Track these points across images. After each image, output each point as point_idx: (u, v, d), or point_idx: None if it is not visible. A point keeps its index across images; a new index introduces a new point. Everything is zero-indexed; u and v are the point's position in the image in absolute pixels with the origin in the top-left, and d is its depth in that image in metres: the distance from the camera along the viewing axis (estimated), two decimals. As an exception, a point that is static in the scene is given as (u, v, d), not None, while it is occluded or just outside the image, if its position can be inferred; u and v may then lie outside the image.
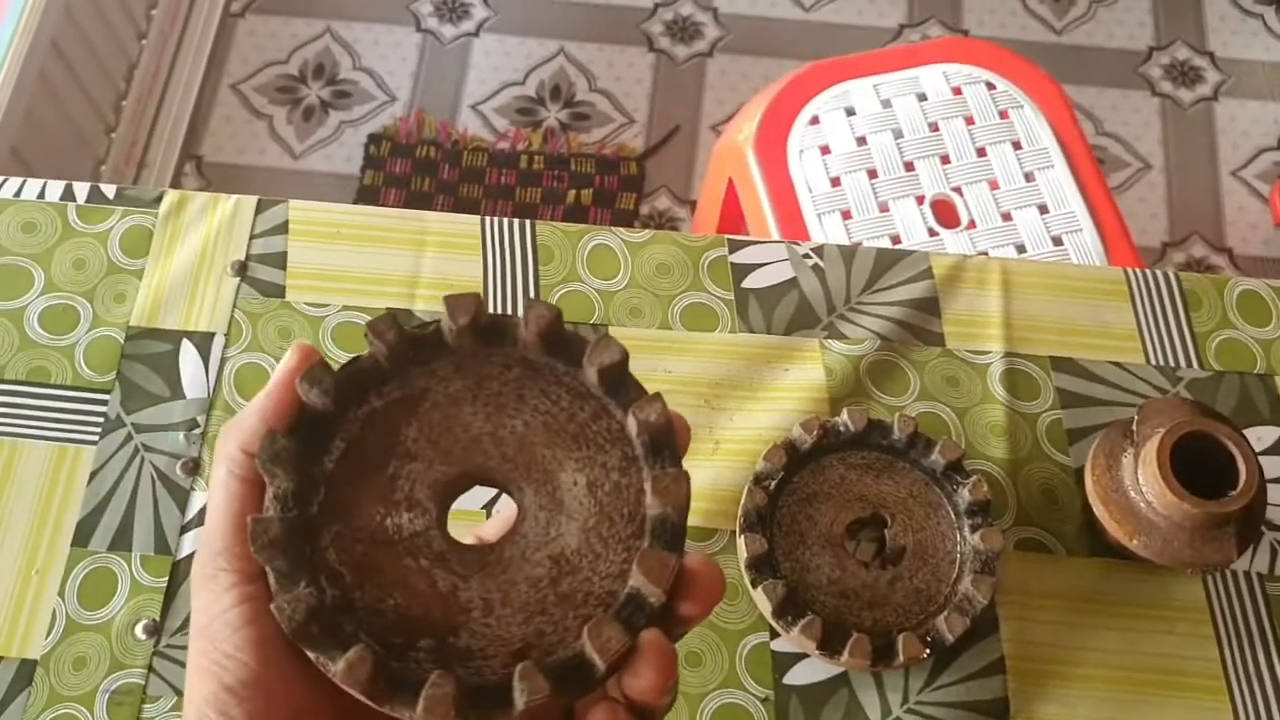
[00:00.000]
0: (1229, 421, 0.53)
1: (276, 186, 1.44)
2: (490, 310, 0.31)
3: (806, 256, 0.62)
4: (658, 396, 0.29)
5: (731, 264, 0.61)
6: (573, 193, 1.47)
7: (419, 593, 0.28)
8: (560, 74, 1.55)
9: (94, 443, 0.55)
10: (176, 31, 1.49)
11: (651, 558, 0.27)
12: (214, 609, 0.28)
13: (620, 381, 0.30)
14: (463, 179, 1.47)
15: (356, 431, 0.29)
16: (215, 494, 0.30)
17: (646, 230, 0.63)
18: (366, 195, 1.45)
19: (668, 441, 0.29)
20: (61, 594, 0.52)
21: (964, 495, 0.54)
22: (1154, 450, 0.50)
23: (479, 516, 0.52)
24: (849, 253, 0.62)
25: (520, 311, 0.31)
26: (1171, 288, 0.61)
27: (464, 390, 0.30)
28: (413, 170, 1.47)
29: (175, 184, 1.43)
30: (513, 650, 0.28)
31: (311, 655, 0.26)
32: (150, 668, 0.51)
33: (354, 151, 1.47)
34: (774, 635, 0.53)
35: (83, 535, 0.53)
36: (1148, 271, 0.62)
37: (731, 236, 0.63)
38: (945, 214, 0.95)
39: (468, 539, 0.30)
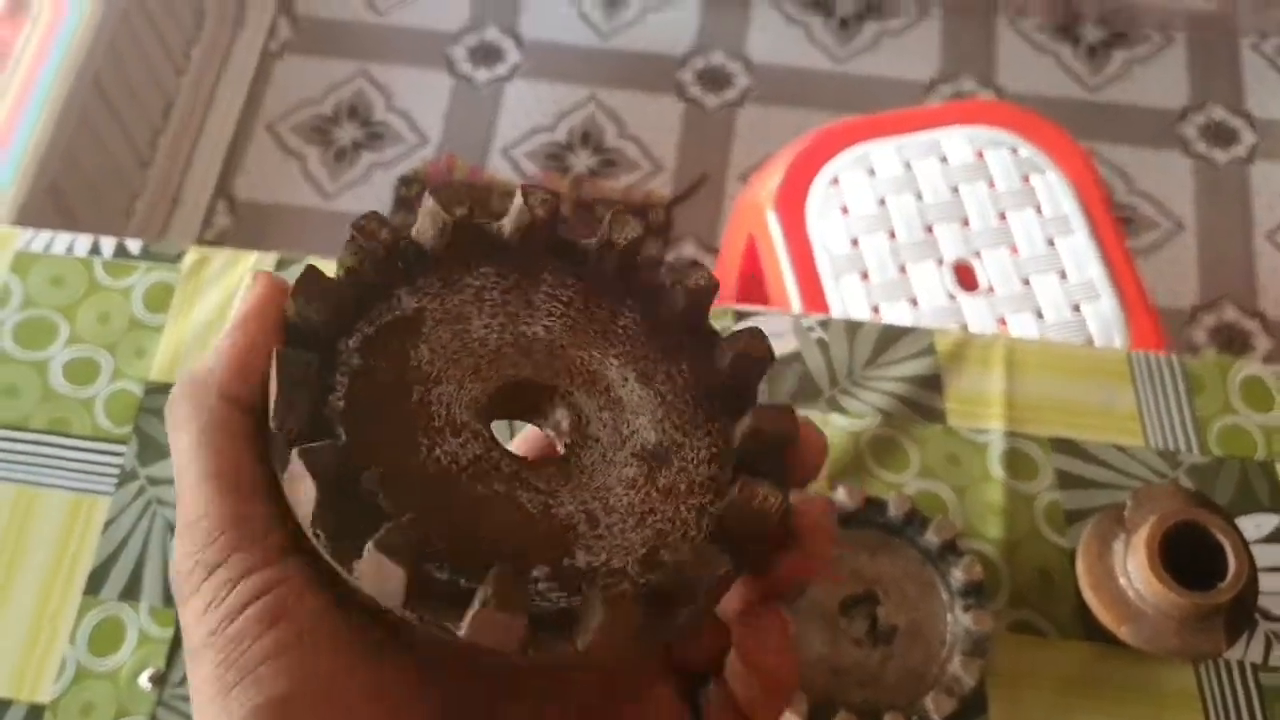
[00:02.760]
0: (1222, 511, 0.53)
1: (307, 226, 1.48)
2: (471, 215, 0.27)
3: (811, 329, 0.62)
4: (697, 264, 0.28)
5: (736, 334, 0.62)
6: (599, 237, 1.49)
7: (508, 521, 0.24)
8: (590, 120, 1.57)
9: (110, 494, 0.57)
10: (214, 70, 1.53)
11: (768, 410, 0.26)
12: (215, 615, 0.21)
13: (634, 264, 0.28)
14: (491, 221, 1.50)
15: (357, 363, 0.25)
16: (191, 466, 0.23)
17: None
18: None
19: (705, 318, 0.28)
20: (72, 640, 0.54)
21: (958, 575, 0.54)
22: (1144, 539, 0.51)
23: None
24: (853, 327, 0.62)
25: (513, 204, 0.27)
26: (1174, 371, 0.61)
27: (464, 303, 0.27)
28: (443, 211, 1.50)
29: (207, 221, 1.47)
30: (640, 557, 0.25)
31: (417, 620, 0.22)
32: (154, 717, 0.52)
33: (384, 193, 1.50)
34: (763, 709, 0.53)
35: (95, 584, 0.55)
36: (1151, 355, 0.62)
37: (739, 307, 0.64)
38: (964, 278, 0.96)
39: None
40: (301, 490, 0.22)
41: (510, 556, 0.24)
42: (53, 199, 1.18)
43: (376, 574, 0.21)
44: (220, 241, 1.46)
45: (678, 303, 0.28)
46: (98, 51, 1.22)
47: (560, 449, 0.27)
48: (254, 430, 0.24)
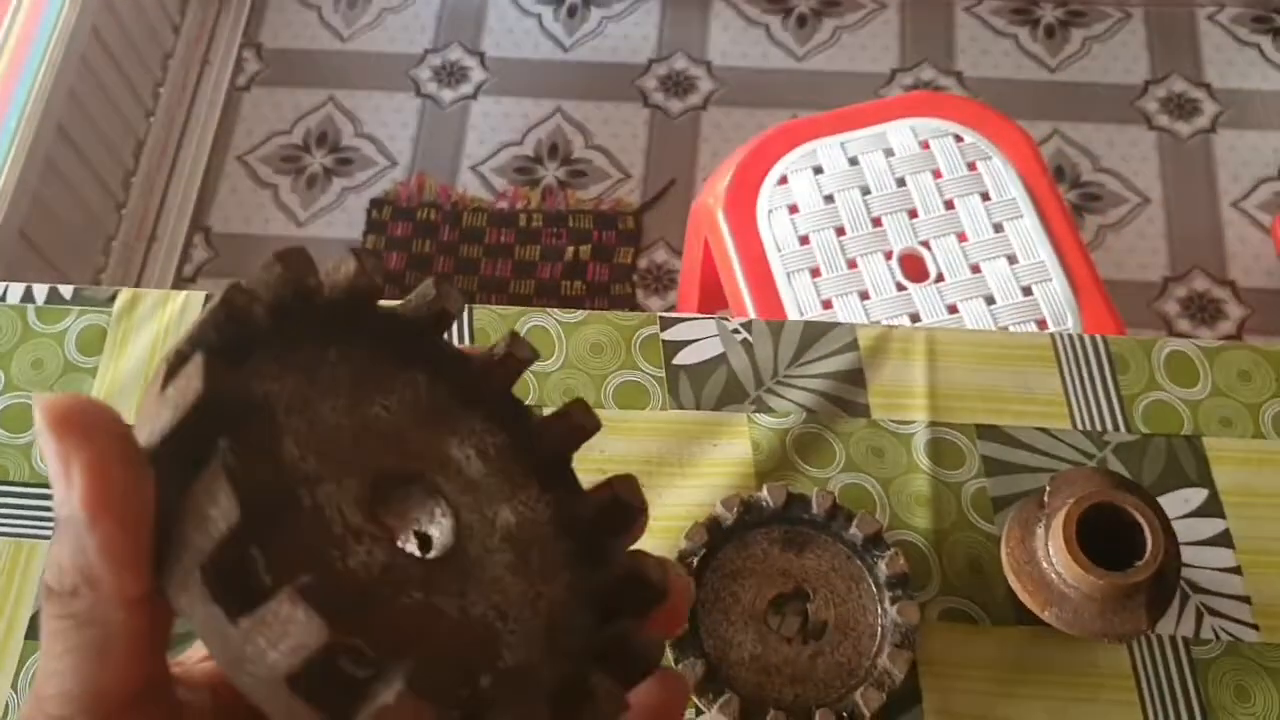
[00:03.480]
0: (1142, 490, 0.54)
1: (282, 253, 1.49)
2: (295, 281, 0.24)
3: (735, 332, 0.63)
4: (516, 339, 0.27)
5: (663, 341, 0.63)
6: (571, 249, 1.50)
7: (439, 633, 0.23)
8: (557, 132, 1.58)
9: (49, 538, 0.58)
10: (184, 107, 1.55)
11: (621, 483, 0.26)
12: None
13: (435, 335, 0.27)
14: (463, 239, 1.51)
15: (235, 465, 0.21)
16: (55, 654, 0.20)
17: (581, 311, 0.65)
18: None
19: (508, 382, 0.27)
20: (14, 687, 0.55)
21: (883, 569, 0.55)
22: (1061, 522, 0.51)
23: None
24: (776, 327, 0.63)
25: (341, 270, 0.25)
26: (1099, 351, 0.62)
27: (303, 385, 0.24)
28: (414, 233, 1.51)
29: (185, 256, 1.48)
30: (544, 646, 0.24)
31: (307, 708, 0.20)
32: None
33: (356, 217, 1.52)
34: (698, 712, 0.54)
35: (36, 629, 0.56)
36: (1074, 335, 0.62)
37: (663, 314, 0.64)
38: (914, 268, 0.96)
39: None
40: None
41: (457, 671, 0.23)
42: (25, 245, 1.19)
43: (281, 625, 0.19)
44: (199, 274, 1.47)
45: (475, 366, 0.27)
46: (58, 99, 1.23)
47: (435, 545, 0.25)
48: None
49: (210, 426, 0.21)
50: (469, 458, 0.26)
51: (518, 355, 0.27)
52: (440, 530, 0.25)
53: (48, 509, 0.59)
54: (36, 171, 1.20)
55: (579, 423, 0.27)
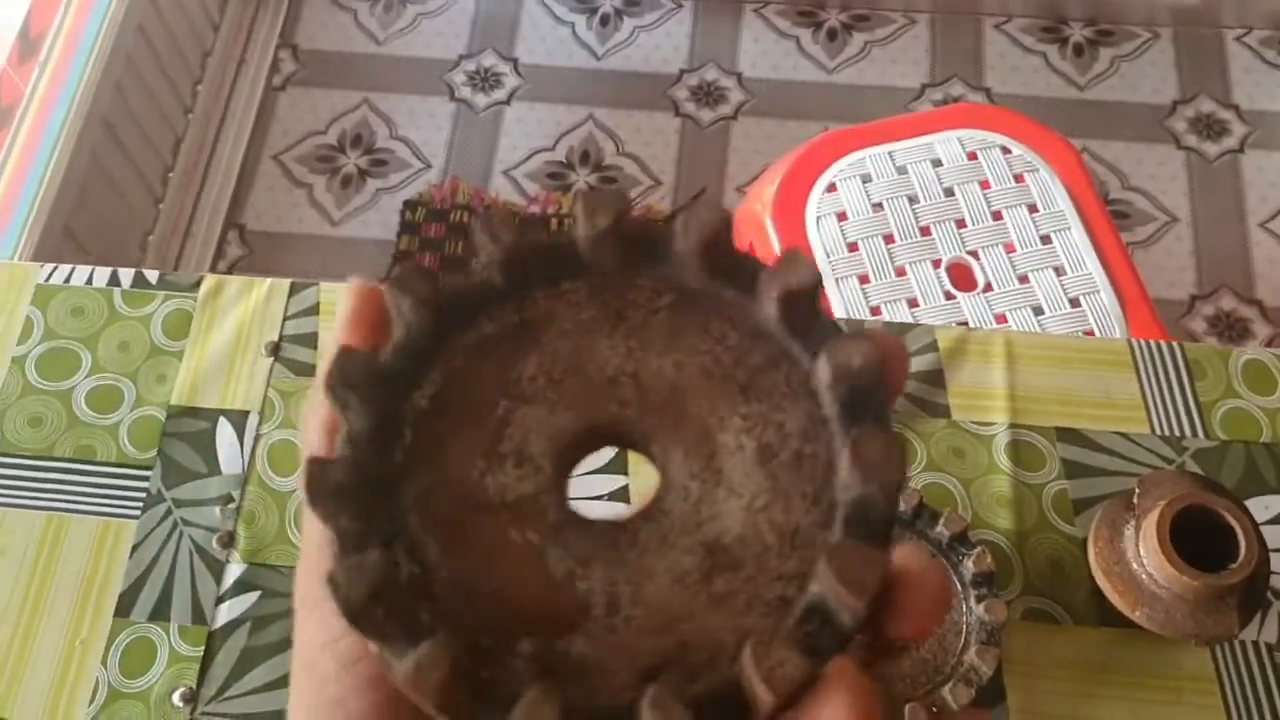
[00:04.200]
0: (1230, 494, 0.54)
1: (315, 252, 1.49)
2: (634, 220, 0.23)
3: (815, 331, 0.64)
4: (864, 335, 0.21)
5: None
6: (602, 254, 1.51)
7: (523, 577, 0.21)
8: (589, 139, 1.59)
9: (136, 517, 0.58)
10: (221, 105, 1.56)
11: (849, 555, 0.20)
12: (319, 638, 0.23)
13: (808, 315, 0.22)
14: (495, 242, 1.51)
15: (459, 363, 0.23)
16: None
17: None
18: (402, 260, 1.50)
19: (873, 399, 0.21)
20: (104, 663, 0.55)
21: (969, 566, 0.55)
22: (1154, 523, 0.51)
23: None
24: (854, 326, 0.64)
25: (678, 220, 0.23)
26: (1176, 358, 0.63)
27: (600, 319, 0.23)
28: (447, 234, 1.52)
29: (219, 252, 1.49)
30: (642, 667, 0.21)
31: (372, 646, 0.20)
32: (185, 735, 0.53)
33: (390, 218, 1.52)
34: (784, 705, 0.54)
35: (124, 606, 0.56)
36: (1152, 343, 0.63)
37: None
38: (962, 277, 0.97)
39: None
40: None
41: (509, 618, 0.21)
42: (67, 238, 1.19)
43: (408, 684, 0.19)
44: (233, 270, 1.47)
45: (835, 379, 0.22)
46: (105, 94, 1.24)
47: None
48: None
49: (471, 313, 0.23)
50: (741, 448, 0.22)
51: (871, 371, 0.21)
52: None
53: (135, 489, 0.59)
54: (83, 163, 1.20)
55: (884, 473, 0.20)
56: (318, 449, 0.23)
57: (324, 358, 0.24)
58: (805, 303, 0.22)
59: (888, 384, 0.21)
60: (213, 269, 1.46)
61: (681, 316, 0.23)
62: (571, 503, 0.22)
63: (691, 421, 0.22)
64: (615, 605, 0.21)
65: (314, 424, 0.24)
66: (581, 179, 1.56)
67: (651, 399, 0.23)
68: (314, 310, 0.64)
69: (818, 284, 0.22)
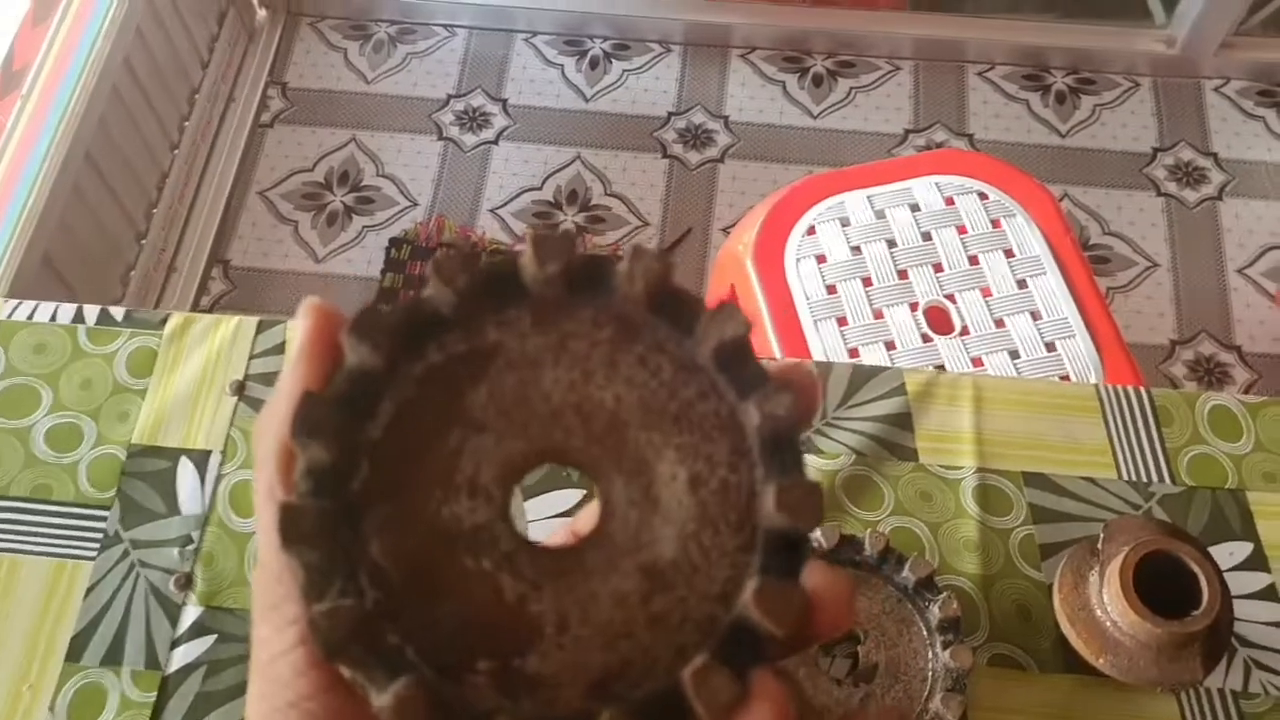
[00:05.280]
0: (1194, 540, 0.54)
1: (299, 289, 1.49)
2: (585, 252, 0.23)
3: (783, 373, 0.63)
4: (787, 387, 0.23)
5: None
6: (586, 293, 1.51)
7: (480, 602, 0.23)
8: (577, 179, 1.60)
9: (92, 558, 0.57)
10: (208, 142, 1.56)
11: (773, 593, 0.22)
12: (275, 646, 0.24)
13: (740, 360, 0.24)
14: (479, 281, 1.52)
15: (411, 392, 0.24)
16: (261, 510, 0.24)
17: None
18: (386, 297, 1.50)
19: (792, 442, 0.23)
20: (52, 709, 0.54)
21: (935, 612, 0.55)
22: (1117, 570, 0.51)
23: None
24: (825, 369, 0.64)
25: (624, 260, 0.24)
26: (1143, 403, 0.62)
27: (544, 349, 0.24)
28: (430, 273, 1.52)
29: (203, 288, 1.48)
30: (591, 680, 0.23)
31: (350, 678, 0.22)
32: (135, 780, 0.52)
33: (375, 255, 1.52)
34: (746, 753, 0.53)
35: (76, 650, 0.55)
36: (1119, 388, 0.63)
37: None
38: (939, 321, 0.97)
39: (556, 538, 0.26)
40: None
41: (467, 640, 0.23)
42: (47, 271, 1.19)
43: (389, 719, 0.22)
44: (216, 306, 1.47)
45: (762, 424, 0.24)
46: (89, 128, 1.24)
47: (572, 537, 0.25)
48: None
49: (420, 342, 0.24)
50: (675, 478, 0.24)
51: (791, 421, 0.23)
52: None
53: (92, 529, 0.58)
54: (63, 196, 1.20)
55: (802, 510, 0.23)
56: (275, 483, 0.24)
57: (280, 389, 0.24)
58: (737, 350, 0.24)
59: (801, 435, 0.24)
60: (195, 304, 1.46)
61: (620, 349, 0.25)
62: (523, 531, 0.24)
63: (630, 452, 0.24)
64: (565, 625, 0.23)
65: (267, 454, 0.24)
66: (569, 218, 1.56)
67: (594, 430, 0.24)
68: (280, 349, 0.64)
69: (749, 332, 0.24)
